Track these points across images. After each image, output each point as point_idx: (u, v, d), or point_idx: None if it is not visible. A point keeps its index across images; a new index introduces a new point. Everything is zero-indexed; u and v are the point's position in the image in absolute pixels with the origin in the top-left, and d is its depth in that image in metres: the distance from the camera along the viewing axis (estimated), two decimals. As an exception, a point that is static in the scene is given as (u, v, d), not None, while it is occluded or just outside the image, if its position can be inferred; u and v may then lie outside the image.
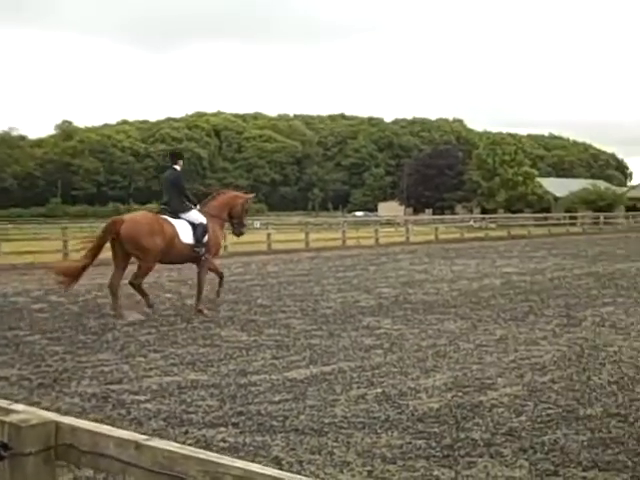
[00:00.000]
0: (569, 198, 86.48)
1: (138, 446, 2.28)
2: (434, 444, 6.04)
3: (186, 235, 13.29)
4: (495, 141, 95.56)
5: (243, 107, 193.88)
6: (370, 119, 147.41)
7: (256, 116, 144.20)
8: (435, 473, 5.43)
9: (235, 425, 6.52)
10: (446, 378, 8.27)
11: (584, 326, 11.76)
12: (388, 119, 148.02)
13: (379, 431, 6.37)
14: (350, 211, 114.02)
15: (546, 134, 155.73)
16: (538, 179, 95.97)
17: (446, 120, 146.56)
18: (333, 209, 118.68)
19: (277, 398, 7.42)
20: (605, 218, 61.31)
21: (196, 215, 13.60)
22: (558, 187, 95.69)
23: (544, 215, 66.00)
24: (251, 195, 16.00)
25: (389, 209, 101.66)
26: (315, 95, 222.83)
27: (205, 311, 13.25)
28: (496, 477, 5.37)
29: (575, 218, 61.99)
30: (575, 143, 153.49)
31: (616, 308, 13.73)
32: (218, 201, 14.46)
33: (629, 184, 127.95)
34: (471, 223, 55.19)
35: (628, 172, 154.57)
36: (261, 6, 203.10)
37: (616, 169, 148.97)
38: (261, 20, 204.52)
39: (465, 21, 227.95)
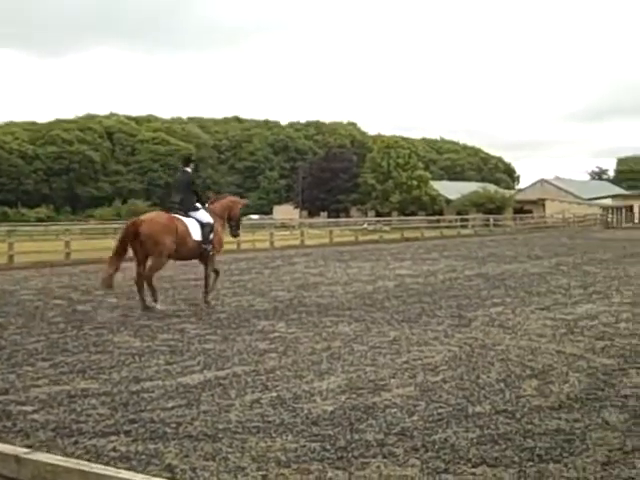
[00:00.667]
0: (461, 201, 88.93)
1: (19, 460, 2.20)
2: (328, 446, 6.08)
3: (196, 233, 14.56)
4: (389, 144, 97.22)
5: (136, 110, 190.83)
6: (266, 122, 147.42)
7: (149, 119, 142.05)
8: (329, 475, 5.46)
9: (127, 433, 6.40)
10: (340, 380, 8.34)
11: (474, 326, 12.06)
12: (284, 122, 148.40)
13: (274, 435, 6.37)
14: (245, 214, 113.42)
15: (438, 138, 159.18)
16: (431, 182, 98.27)
17: (340, 123, 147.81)
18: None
19: (170, 404, 7.32)
20: (494, 220, 63.14)
21: (204, 215, 14.89)
22: (450, 190, 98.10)
23: (437, 217, 67.47)
24: (246, 201, 17.94)
25: (284, 212, 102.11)
26: (209, 98, 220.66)
27: (212, 302, 14.89)
28: (389, 476, 5.45)
29: (466, 220, 63.62)
30: (466, 147, 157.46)
31: (505, 308, 14.14)
32: (220, 203, 15.67)
33: (516, 187, 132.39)
34: (365, 226, 55.86)
35: (515, 175, 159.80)
36: (154, 10, 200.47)
37: (504, 172, 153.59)
38: (154, 23, 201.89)
39: (358, 24, 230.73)
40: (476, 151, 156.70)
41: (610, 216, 79.76)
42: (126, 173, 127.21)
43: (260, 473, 5.49)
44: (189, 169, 15.36)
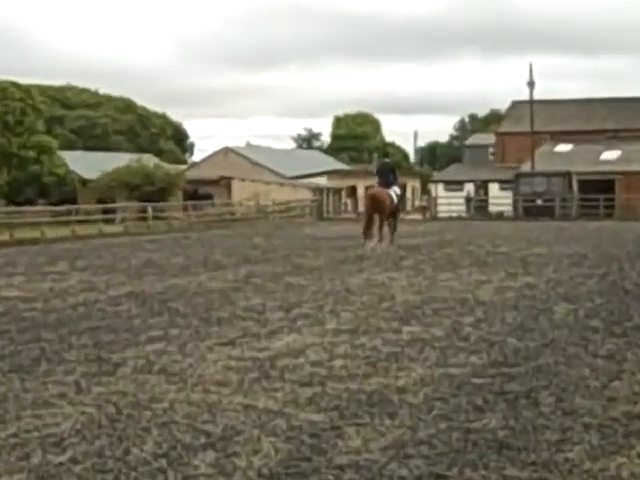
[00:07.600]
0: (104, 181, 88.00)
1: None
2: None
3: (394, 200, 35.90)
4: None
5: None
6: None
7: None
8: None
9: None
10: None
11: (122, 374, 12.09)
12: None
13: None
14: None
15: (66, 84, 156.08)
16: (58, 153, 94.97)
17: None
18: None
19: None
20: (156, 211, 63.50)
21: (396, 189, 36.29)
22: (88, 165, 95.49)
23: (67, 208, 66.60)
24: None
25: None
26: None
27: (392, 242, 36.72)
28: None
29: (113, 212, 63.62)
30: (111, 98, 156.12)
31: (169, 344, 14.30)
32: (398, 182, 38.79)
33: (190, 160, 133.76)
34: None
35: (188, 142, 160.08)
36: None
37: (172, 138, 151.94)
38: None
39: None
40: (129, 105, 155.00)
41: (326, 202, 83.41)
42: None
43: None
44: (387, 159, 42.50)
